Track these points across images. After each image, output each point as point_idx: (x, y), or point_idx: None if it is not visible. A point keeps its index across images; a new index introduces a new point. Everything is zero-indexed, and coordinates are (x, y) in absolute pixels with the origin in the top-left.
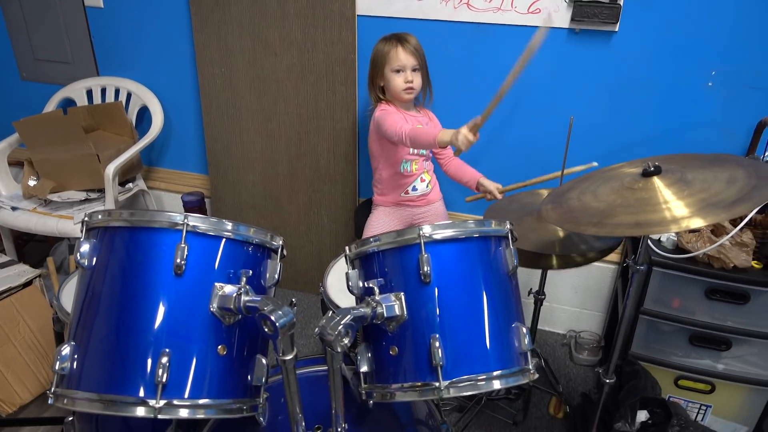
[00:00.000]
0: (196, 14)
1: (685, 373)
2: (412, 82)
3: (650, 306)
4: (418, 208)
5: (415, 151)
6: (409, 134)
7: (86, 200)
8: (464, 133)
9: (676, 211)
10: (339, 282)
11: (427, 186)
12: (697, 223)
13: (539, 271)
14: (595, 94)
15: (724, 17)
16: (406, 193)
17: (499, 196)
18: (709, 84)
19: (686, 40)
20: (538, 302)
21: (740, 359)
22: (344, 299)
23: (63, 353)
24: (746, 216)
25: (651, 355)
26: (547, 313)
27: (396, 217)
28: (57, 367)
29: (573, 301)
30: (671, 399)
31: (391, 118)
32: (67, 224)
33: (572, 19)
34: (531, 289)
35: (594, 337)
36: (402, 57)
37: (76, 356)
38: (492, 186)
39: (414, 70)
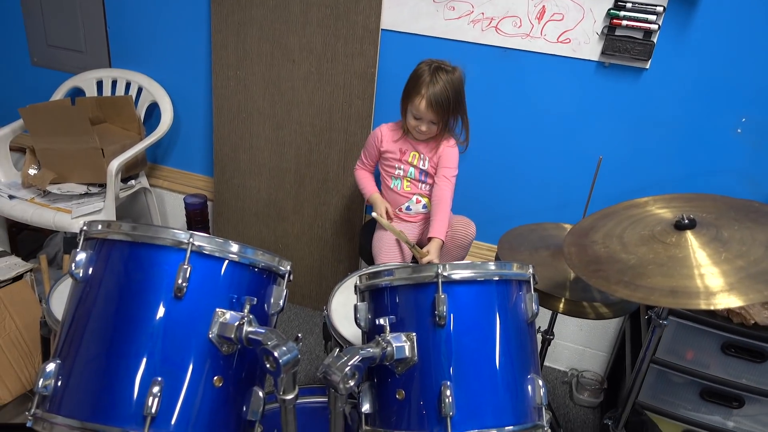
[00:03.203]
0: (216, 13)
1: (694, 428)
2: (423, 130)
3: (662, 356)
4: (415, 223)
5: (402, 173)
6: (356, 174)
7: (86, 194)
8: (381, 211)
9: (712, 280)
10: (344, 308)
11: (423, 207)
12: (736, 302)
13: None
14: (619, 131)
15: (758, 65)
16: (401, 210)
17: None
18: (738, 131)
19: (719, 83)
20: (546, 342)
21: (752, 418)
22: (348, 327)
23: (47, 370)
24: None
25: (659, 406)
26: (550, 349)
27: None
28: (39, 385)
29: (577, 338)
30: None
31: (369, 143)
32: (64, 218)
33: (603, 52)
34: (539, 327)
35: (596, 378)
36: (422, 109)
37: (60, 376)
38: (423, 255)
39: (431, 122)
